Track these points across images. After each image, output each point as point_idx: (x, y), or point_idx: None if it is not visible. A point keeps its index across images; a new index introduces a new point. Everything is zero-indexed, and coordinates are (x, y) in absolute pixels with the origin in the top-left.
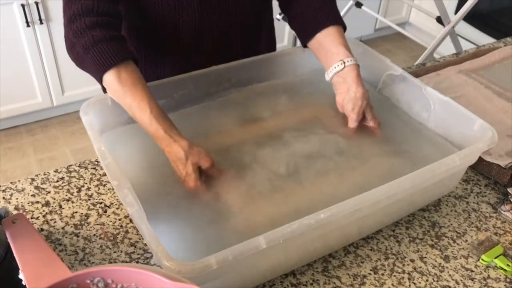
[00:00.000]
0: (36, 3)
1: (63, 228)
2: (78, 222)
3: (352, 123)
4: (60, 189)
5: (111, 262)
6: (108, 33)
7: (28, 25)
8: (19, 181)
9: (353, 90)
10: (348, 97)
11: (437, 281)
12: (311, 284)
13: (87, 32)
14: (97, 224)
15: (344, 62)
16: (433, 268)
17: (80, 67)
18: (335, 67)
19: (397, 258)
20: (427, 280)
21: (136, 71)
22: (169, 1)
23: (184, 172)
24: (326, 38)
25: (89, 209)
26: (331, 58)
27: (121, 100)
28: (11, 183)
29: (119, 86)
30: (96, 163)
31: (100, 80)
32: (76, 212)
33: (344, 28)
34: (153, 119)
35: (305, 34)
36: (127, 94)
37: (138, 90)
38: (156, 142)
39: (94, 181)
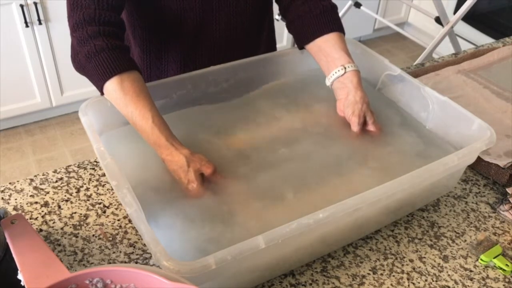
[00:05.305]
0: (35, 4)
1: (62, 228)
2: (77, 223)
3: (355, 126)
4: (59, 189)
5: (110, 263)
6: (111, 43)
7: (27, 26)
8: (18, 181)
9: (352, 94)
10: (347, 102)
11: (436, 281)
12: (310, 284)
13: (90, 41)
14: (96, 225)
15: (345, 68)
16: (432, 268)
17: (82, 75)
18: (336, 72)
19: (396, 258)
20: (426, 280)
21: (139, 80)
22: (171, 4)
23: (186, 180)
24: (327, 43)
25: (88, 209)
26: (331, 63)
27: (122, 108)
28: (10, 183)
29: (121, 94)
30: (95, 163)
31: (101, 88)
32: (75, 213)
33: (344, 35)
34: (155, 128)
35: (303, 37)
36: (129, 103)
37: (140, 99)
38: (156, 151)
39: (93, 181)
